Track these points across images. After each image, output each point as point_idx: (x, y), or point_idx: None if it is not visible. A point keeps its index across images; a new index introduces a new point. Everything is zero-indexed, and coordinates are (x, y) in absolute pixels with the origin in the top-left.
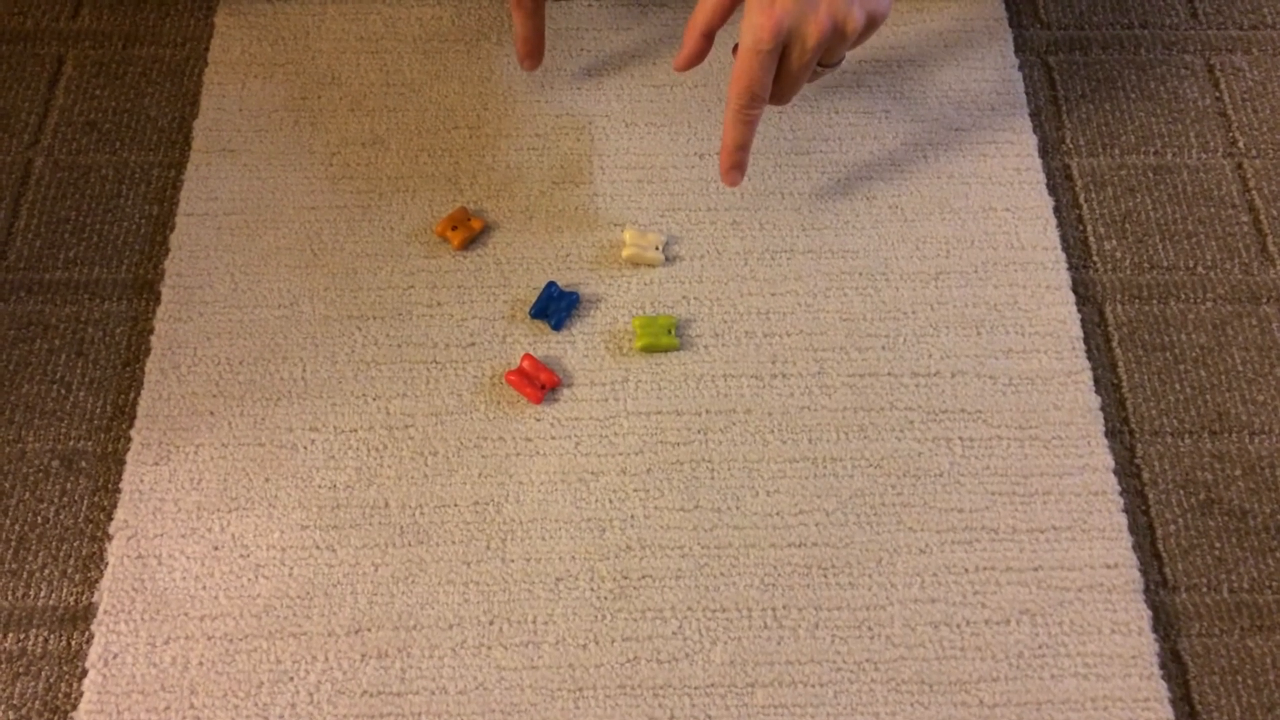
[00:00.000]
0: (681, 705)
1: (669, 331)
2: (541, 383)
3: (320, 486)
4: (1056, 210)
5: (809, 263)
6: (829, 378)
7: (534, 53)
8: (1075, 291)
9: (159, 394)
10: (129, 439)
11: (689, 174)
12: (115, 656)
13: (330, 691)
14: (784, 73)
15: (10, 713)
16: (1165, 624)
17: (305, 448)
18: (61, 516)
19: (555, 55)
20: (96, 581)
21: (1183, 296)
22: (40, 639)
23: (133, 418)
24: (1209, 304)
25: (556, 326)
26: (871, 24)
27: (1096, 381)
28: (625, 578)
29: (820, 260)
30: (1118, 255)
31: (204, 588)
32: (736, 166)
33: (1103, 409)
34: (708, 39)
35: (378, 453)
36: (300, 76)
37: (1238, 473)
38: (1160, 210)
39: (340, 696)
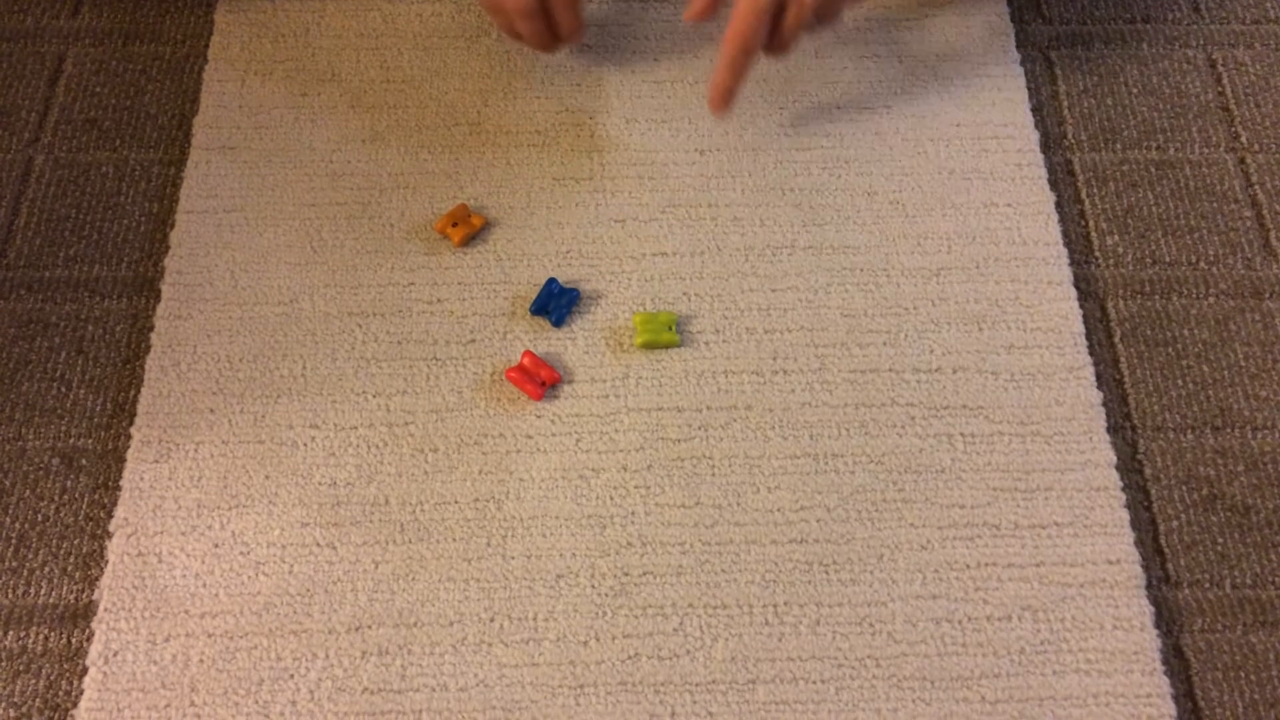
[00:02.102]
0: (682, 702)
1: (669, 328)
2: (542, 379)
3: (320, 484)
4: (1058, 205)
5: (810, 259)
6: (830, 374)
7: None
8: (1077, 287)
9: (159, 391)
10: (129, 436)
11: (690, 170)
12: (116, 654)
13: (331, 689)
14: (780, 28)
15: (11, 710)
16: (1168, 619)
17: (305, 445)
18: (62, 514)
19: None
20: (97, 579)
21: (1185, 292)
22: (41, 637)
23: (133, 415)
24: (1211, 299)
25: (557, 323)
26: None
27: (1098, 377)
28: (626, 574)
29: (821, 256)
30: (1120, 250)
31: (204, 585)
32: (724, 102)
33: (1105, 404)
34: None
35: (378, 450)
36: (300, 73)
37: (1240, 468)
38: (1162, 205)
39: (341, 694)
